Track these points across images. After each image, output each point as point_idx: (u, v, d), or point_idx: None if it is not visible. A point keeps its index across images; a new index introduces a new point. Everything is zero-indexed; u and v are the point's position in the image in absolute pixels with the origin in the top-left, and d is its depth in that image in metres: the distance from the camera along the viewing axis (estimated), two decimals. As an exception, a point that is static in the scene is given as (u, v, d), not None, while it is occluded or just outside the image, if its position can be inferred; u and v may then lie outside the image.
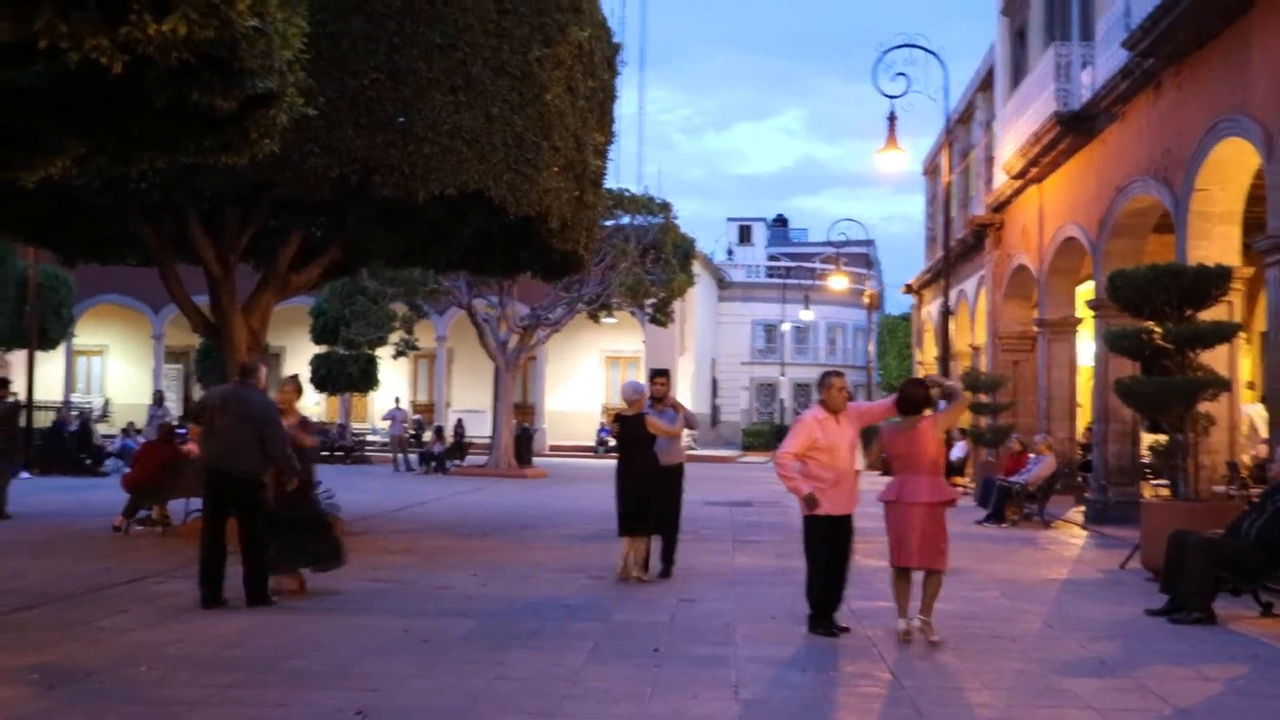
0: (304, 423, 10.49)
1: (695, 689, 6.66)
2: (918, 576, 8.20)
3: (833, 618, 8.45)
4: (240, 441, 9.23)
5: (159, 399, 31.84)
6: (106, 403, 41.74)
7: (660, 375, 11.42)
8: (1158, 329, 11.90)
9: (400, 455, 30.36)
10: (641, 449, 10.74)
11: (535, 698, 6.40)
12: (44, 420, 29.12)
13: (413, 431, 34.11)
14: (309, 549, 9.83)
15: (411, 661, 7.29)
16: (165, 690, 6.51)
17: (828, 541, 8.36)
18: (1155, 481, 17.73)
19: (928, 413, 8.35)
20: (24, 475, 18.17)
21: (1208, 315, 11.95)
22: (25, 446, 18.13)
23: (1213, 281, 11.61)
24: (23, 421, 19.08)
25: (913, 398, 8.31)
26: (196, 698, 6.31)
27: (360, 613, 9.02)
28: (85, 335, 41.27)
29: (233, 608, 9.02)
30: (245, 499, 9.35)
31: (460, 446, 31.09)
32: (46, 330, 30.53)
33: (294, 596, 9.61)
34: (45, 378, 39.53)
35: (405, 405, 34.15)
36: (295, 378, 11.02)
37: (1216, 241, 13.95)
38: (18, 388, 20.06)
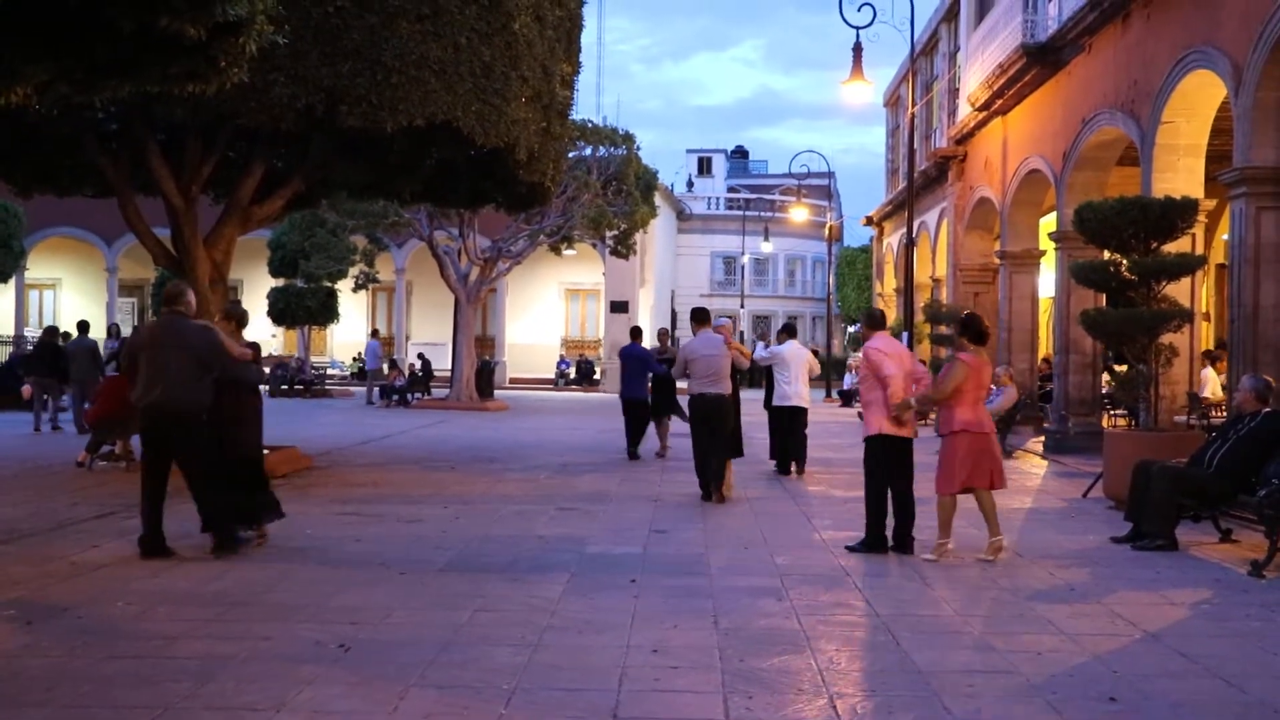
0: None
1: (675, 619, 6.70)
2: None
3: (884, 538, 9.06)
4: (179, 375, 8.42)
5: (113, 332, 31.44)
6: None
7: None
8: (1124, 261, 11.99)
9: (375, 388, 30.46)
10: None
11: (517, 629, 6.42)
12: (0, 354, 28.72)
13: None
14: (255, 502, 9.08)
15: (390, 594, 7.30)
16: (146, 624, 6.48)
17: (883, 462, 9.13)
18: (1115, 412, 18.02)
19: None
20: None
21: (1171, 248, 12.06)
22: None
23: (1179, 213, 11.69)
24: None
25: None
26: (178, 631, 6.29)
27: (335, 547, 9.00)
28: (37, 268, 40.58)
29: (183, 556, 8.58)
30: (189, 437, 8.54)
31: (424, 380, 31.08)
32: (-3, 264, 30.02)
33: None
34: (-3, 311, 39.05)
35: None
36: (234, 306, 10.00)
37: (1181, 174, 14.07)
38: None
